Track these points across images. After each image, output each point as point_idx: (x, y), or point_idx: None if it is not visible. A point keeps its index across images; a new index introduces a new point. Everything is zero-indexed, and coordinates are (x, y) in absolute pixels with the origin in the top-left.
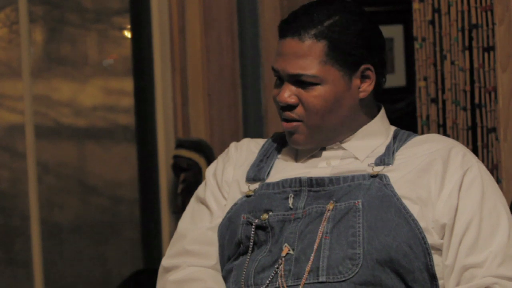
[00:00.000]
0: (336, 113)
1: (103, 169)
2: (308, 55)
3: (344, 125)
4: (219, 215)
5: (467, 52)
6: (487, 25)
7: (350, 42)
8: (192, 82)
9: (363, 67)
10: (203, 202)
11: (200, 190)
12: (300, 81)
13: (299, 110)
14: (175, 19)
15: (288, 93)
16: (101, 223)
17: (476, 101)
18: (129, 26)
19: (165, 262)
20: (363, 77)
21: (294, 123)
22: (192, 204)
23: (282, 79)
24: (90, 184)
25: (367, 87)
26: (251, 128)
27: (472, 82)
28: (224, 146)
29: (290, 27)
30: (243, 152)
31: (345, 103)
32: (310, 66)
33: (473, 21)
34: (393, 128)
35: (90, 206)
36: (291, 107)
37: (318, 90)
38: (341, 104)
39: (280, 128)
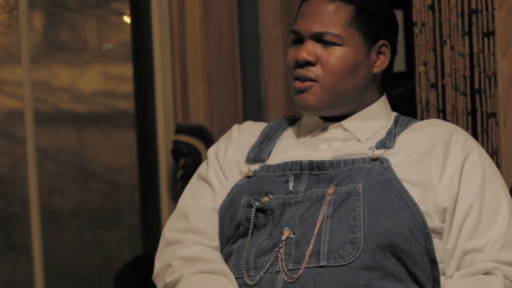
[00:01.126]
0: (351, 79)
1: (102, 155)
2: (334, 14)
3: (354, 95)
4: (221, 195)
5: (467, 37)
6: (487, 10)
7: (376, 13)
8: (192, 67)
9: (381, 42)
10: (205, 180)
11: (202, 169)
12: (322, 40)
13: (316, 69)
14: (175, 4)
15: (308, 51)
16: (101, 208)
17: (476, 86)
18: (128, 12)
19: (169, 235)
20: (379, 53)
21: (308, 83)
22: (194, 181)
23: (300, 40)
24: (90, 170)
25: (381, 63)
26: (250, 113)
27: (472, 67)
28: (223, 131)
29: None
30: (245, 134)
31: (360, 72)
32: (335, 25)
33: (473, 6)
34: (394, 113)
35: (90, 192)
36: (308, 65)
37: (340, 51)
38: (357, 71)
39: (280, 113)
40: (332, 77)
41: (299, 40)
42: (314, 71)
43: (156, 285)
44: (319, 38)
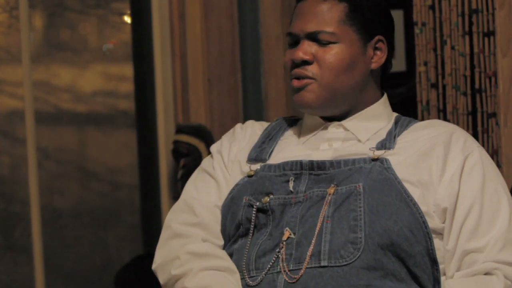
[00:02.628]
0: (349, 75)
1: (103, 155)
2: (328, 13)
3: (353, 92)
4: (226, 192)
5: (467, 37)
6: (487, 10)
7: (370, 9)
8: (192, 67)
9: (377, 37)
10: (210, 174)
11: (206, 163)
12: (317, 39)
13: (314, 67)
14: (175, 4)
15: (304, 50)
16: (101, 208)
17: (476, 86)
18: (128, 11)
19: (176, 227)
20: (376, 49)
21: (306, 80)
22: (198, 175)
23: (297, 42)
24: (90, 170)
25: (378, 59)
26: (251, 113)
27: (472, 67)
28: (224, 131)
29: None
30: (247, 133)
31: (358, 68)
32: (329, 24)
33: (473, 6)
34: (394, 114)
35: (90, 192)
36: (305, 64)
37: (336, 48)
38: (354, 67)
39: (281, 113)
40: (329, 74)
41: (295, 42)
42: (311, 70)
43: (157, 277)
44: (314, 37)
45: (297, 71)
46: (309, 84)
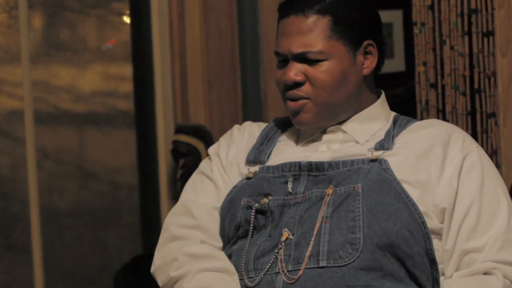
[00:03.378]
0: (343, 89)
1: (102, 155)
2: (312, 31)
3: (349, 102)
4: (224, 194)
5: (466, 37)
6: (487, 10)
7: (353, 17)
8: (191, 67)
9: (365, 42)
10: (208, 177)
11: (204, 166)
12: (306, 59)
13: (306, 87)
14: (174, 4)
15: (295, 71)
16: (101, 208)
17: (476, 86)
18: (128, 12)
19: (175, 229)
20: (366, 54)
21: (301, 101)
22: (196, 177)
23: (286, 60)
24: (90, 170)
25: (370, 63)
26: (250, 113)
27: (471, 67)
28: (223, 131)
29: (293, 5)
30: (245, 135)
31: (350, 79)
32: (315, 42)
33: (473, 6)
34: (393, 113)
35: (90, 192)
36: (297, 85)
37: (325, 66)
38: (347, 80)
39: (280, 113)
40: (323, 92)
41: (284, 60)
42: (304, 90)
43: (156, 279)
44: (302, 57)
45: (291, 93)
46: (305, 105)
